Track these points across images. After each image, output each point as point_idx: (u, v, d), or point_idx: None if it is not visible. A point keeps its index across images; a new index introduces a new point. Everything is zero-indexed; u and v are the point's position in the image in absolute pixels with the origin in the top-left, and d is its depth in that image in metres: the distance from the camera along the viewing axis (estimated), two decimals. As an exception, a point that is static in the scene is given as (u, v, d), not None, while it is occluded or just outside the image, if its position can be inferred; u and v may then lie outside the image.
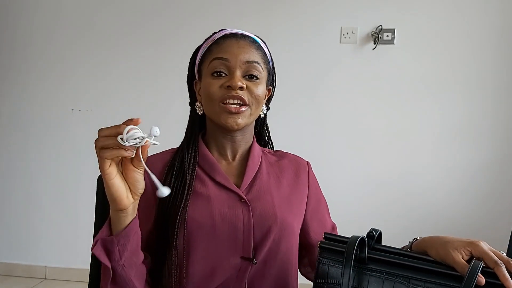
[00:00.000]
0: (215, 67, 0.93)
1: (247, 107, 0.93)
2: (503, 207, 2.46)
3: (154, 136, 0.72)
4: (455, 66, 2.48)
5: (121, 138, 0.70)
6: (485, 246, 0.73)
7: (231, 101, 0.91)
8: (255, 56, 0.95)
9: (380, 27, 2.49)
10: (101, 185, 1.13)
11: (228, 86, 0.91)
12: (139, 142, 0.71)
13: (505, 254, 0.72)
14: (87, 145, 2.80)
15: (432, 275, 0.72)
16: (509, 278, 0.67)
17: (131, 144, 0.70)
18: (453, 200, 2.50)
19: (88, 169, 2.68)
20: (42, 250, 2.82)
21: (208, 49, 0.97)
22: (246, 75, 0.94)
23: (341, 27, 2.54)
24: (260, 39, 1.02)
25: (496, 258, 0.70)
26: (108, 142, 0.71)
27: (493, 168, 2.48)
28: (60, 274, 2.79)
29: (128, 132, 0.70)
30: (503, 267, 0.69)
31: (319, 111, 2.59)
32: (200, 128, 1.02)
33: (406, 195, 2.54)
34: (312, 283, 1.01)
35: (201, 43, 1.02)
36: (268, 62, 1.00)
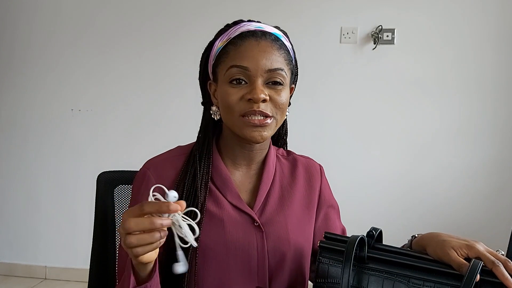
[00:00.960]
0: (234, 75, 0.84)
1: (272, 118, 0.85)
2: (503, 207, 2.46)
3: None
4: (455, 66, 2.48)
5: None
6: (481, 247, 0.73)
7: (253, 116, 0.83)
8: (277, 61, 0.85)
9: (380, 27, 2.49)
10: (101, 184, 1.13)
11: (250, 99, 0.83)
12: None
13: (504, 253, 0.72)
14: (87, 145, 2.81)
15: (432, 274, 0.73)
16: (509, 277, 0.68)
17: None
18: (453, 200, 2.50)
19: (88, 169, 2.68)
20: (42, 250, 2.82)
21: (224, 50, 0.87)
22: (269, 82, 0.85)
23: (341, 27, 2.54)
24: (282, 31, 0.93)
25: (493, 258, 0.70)
26: (146, 239, 0.63)
27: (494, 168, 2.48)
28: (60, 274, 2.79)
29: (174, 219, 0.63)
30: (501, 266, 0.69)
31: (319, 111, 2.59)
32: (214, 131, 0.95)
33: (406, 194, 2.54)
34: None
35: (214, 37, 0.93)
36: (291, 60, 0.92)
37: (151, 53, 2.67)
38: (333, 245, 0.79)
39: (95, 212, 1.12)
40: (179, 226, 0.63)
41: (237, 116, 0.85)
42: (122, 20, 2.71)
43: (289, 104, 0.95)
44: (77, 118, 2.76)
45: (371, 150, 2.56)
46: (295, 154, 1.04)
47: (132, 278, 0.72)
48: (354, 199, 2.56)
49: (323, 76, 2.57)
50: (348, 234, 0.80)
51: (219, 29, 0.94)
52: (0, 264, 2.85)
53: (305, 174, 1.00)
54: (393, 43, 2.49)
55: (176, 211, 0.62)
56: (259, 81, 0.84)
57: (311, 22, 2.56)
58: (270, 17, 2.59)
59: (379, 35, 2.48)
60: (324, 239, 0.83)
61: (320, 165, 1.05)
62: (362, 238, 0.76)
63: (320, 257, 0.80)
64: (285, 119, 0.99)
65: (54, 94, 2.77)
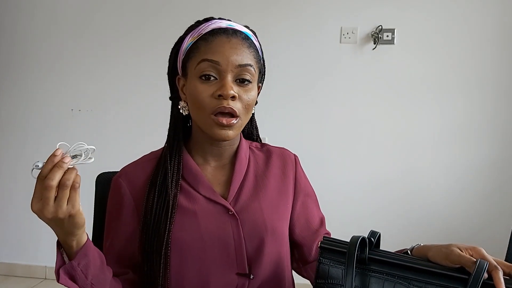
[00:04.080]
0: (204, 70, 0.86)
1: (238, 118, 0.87)
2: (503, 207, 2.46)
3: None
4: (455, 66, 2.48)
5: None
6: (484, 251, 0.73)
7: (222, 116, 0.86)
8: (247, 58, 0.88)
9: (380, 27, 2.49)
10: (100, 184, 1.13)
11: (220, 95, 0.85)
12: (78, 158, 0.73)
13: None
14: (87, 145, 2.80)
15: (433, 276, 0.72)
16: (503, 283, 0.68)
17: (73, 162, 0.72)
18: (453, 200, 2.50)
19: (87, 169, 2.67)
20: (42, 250, 2.81)
21: (195, 45, 0.89)
22: (238, 79, 0.87)
23: (341, 27, 2.54)
24: (251, 30, 0.95)
25: (495, 262, 0.71)
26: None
27: (494, 168, 2.48)
28: (60, 274, 2.79)
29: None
30: (501, 272, 0.69)
31: (319, 111, 2.59)
32: (183, 128, 0.97)
33: (406, 195, 2.53)
34: (305, 280, 1.02)
35: (184, 33, 0.95)
36: (260, 59, 0.94)
37: (151, 53, 2.67)
38: (334, 245, 0.79)
39: (94, 213, 1.12)
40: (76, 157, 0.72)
41: (207, 114, 0.86)
42: (122, 19, 2.71)
43: (256, 103, 0.97)
44: (77, 118, 2.76)
45: (370, 150, 2.56)
46: (270, 145, 1.05)
47: (58, 257, 0.77)
48: (354, 199, 2.56)
49: (323, 76, 2.57)
50: (348, 234, 0.80)
51: (189, 25, 0.96)
52: (0, 264, 2.85)
53: (280, 164, 1.01)
54: (393, 43, 2.49)
55: (58, 154, 0.71)
56: (229, 77, 0.86)
57: (311, 22, 2.56)
58: (270, 16, 2.60)
59: (379, 35, 2.48)
60: (324, 240, 0.82)
61: (295, 154, 1.06)
62: (363, 239, 0.76)
63: (321, 258, 0.80)
64: (253, 114, 1.01)
65: (54, 94, 2.77)
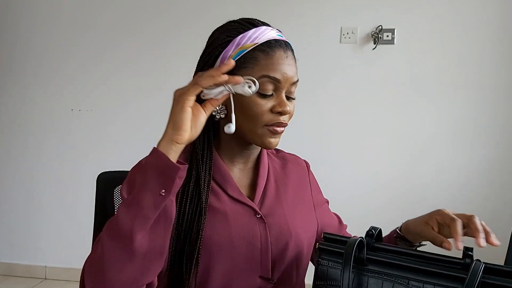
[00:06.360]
0: (264, 85, 0.85)
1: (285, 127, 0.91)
2: (503, 207, 2.46)
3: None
4: (455, 66, 2.48)
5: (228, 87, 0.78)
6: (448, 210, 0.81)
7: (277, 127, 0.88)
8: (296, 73, 0.89)
9: (380, 27, 2.49)
10: (101, 184, 1.13)
11: (278, 112, 0.86)
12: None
13: (494, 237, 0.76)
14: (87, 145, 2.81)
15: (432, 276, 0.72)
16: (460, 234, 0.74)
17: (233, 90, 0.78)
18: (453, 200, 2.50)
19: (88, 169, 2.68)
20: (42, 250, 2.82)
21: (252, 55, 0.85)
22: (286, 94, 0.89)
23: (341, 27, 2.54)
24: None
25: (453, 215, 0.78)
26: (210, 82, 0.75)
27: (494, 168, 2.48)
28: (60, 274, 2.79)
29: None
30: (459, 223, 0.76)
31: (319, 111, 2.59)
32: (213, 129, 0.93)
33: (406, 195, 2.53)
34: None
35: (223, 34, 0.89)
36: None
37: (152, 53, 2.67)
38: (332, 246, 0.79)
39: (95, 212, 1.12)
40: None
41: (261, 126, 0.87)
42: (123, 20, 2.71)
43: None
44: (77, 118, 2.76)
45: (370, 150, 2.56)
46: (283, 152, 1.08)
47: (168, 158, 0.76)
48: (354, 199, 2.56)
49: (323, 76, 2.57)
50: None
51: (225, 26, 0.93)
52: (0, 264, 2.85)
53: (296, 171, 1.04)
54: (393, 43, 2.49)
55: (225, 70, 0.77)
56: (283, 93, 0.87)
57: (311, 22, 2.56)
58: (270, 17, 2.58)
59: (379, 35, 2.48)
60: (323, 240, 0.83)
61: (305, 161, 1.09)
62: (361, 240, 0.76)
63: (319, 259, 0.80)
64: None
65: (54, 94, 2.78)
